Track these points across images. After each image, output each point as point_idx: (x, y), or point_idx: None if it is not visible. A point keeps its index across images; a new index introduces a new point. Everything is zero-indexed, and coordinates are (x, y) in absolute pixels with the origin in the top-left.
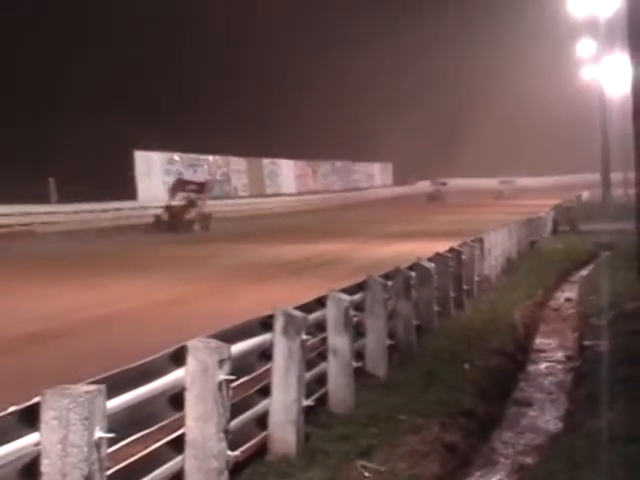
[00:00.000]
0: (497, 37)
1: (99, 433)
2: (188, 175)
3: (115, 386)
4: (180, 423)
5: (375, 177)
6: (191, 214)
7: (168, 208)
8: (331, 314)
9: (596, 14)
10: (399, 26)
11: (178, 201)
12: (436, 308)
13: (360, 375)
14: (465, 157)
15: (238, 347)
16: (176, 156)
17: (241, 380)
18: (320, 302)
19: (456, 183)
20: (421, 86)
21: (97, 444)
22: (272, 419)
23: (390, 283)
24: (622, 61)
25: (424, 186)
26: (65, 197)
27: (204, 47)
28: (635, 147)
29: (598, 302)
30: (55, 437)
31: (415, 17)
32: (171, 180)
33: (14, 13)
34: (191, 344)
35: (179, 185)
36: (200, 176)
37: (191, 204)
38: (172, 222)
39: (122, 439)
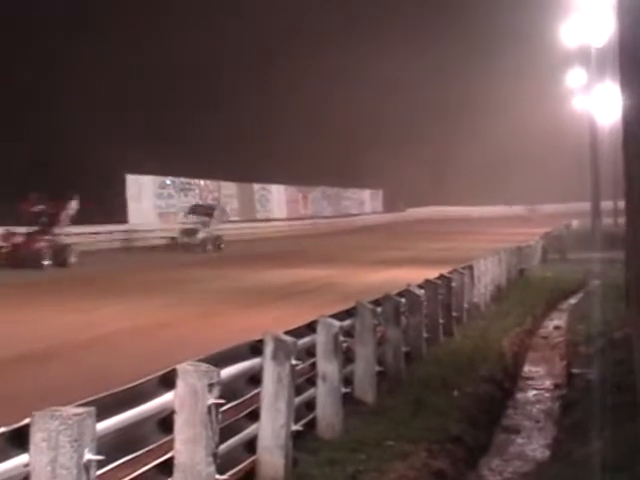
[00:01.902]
0: (488, 66)
1: (88, 455)
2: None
3: (105, 409)
4: (169, 446)
5: (365, 204)
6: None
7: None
8: (321, 340)
9: (588, 43)
10: (390, 56)
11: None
12: (425, 335)
13: (349, 401)
14: (455, 185)
15: (227, 371)
16: (168, 180)
17: (230, 404)
18: (310, 327)
19: (446, 211)
20: (412, 114)
21: (86, 466)
22: (261, 443)
23: (380, 309)
24: (613, 90)
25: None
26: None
27: (196, 72)
28: (624, 176)
29: (587, 330)
30: (44, 459)
31: (406, 47)
32: (163, 204)
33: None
34: (181, 368)
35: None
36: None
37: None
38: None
39: (111, 462)
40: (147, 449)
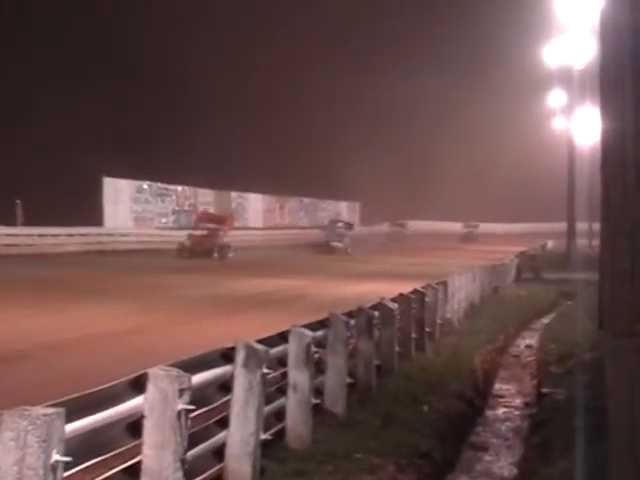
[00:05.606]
0: (469, 85)
1: (56, 456)
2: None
3: (74, 411)
4: (137, 451)
5: (342, 216)
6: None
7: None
8: (293, 349)
9: (569, 64)
10: (375, 74)
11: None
12: (397, 349)
13: (318, 412)
14: (433, 201)
15: (198, 377)
16: (145, 185)
17: (200, 410)
18: (282, 337)
19: (419, 225)
20: (393, 130)
21: (53, 467)
22: (229, 451)
23: (353, 321)
24: (592, 113)
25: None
26: (32, 220)
27: (176, 78)
28: (602, 199)
29: (558, 351)
30: (11, 458)
31: (391, 68)
32: (139, 208)
33: None
34: (152, 372)
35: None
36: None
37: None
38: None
39: (79, 464)
40: (115, 452)
